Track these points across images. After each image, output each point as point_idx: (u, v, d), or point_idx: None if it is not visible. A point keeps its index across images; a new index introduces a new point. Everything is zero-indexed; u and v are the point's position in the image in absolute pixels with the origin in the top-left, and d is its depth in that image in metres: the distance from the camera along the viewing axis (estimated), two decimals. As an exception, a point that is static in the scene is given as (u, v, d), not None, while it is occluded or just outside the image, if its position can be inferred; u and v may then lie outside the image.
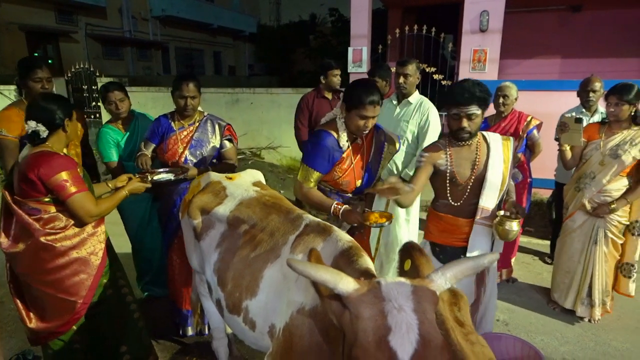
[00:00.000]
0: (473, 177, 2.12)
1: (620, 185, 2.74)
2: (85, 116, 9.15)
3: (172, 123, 2.60)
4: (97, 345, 2.08)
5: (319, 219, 1.64)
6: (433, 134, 3.11)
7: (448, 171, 2.13)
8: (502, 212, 2.10)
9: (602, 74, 3.66)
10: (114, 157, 2.81)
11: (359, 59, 6.12)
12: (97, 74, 8.51)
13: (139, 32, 17.63)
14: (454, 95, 1.99)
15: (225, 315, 1.81)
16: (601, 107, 3.48)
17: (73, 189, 1.82)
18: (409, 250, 1.25)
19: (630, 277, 2.93)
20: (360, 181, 2.20)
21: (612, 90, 2.69)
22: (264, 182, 2.23)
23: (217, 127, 2.65)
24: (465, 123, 2.00)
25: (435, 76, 5.91)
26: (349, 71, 6.21)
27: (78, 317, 1.97)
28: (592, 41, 7.02)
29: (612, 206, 2.72)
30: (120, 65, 16.84)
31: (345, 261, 1.31)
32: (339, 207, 2.04)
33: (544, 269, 3.80)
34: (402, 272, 1.24)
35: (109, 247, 2.14)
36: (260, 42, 22.23)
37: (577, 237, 2.94)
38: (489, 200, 2.11)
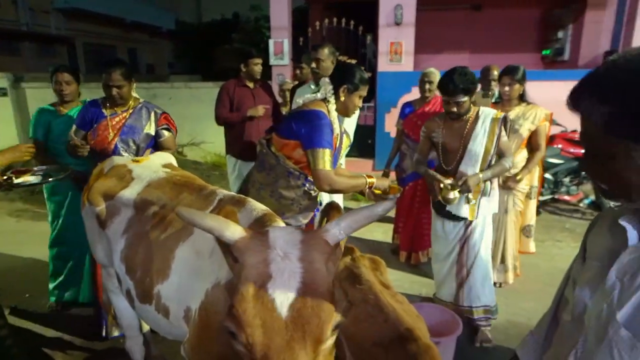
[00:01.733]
0: (461, 148, 2.47)
1: (522, 157, 3.04)
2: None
3: (103, 109, 2.46)
4: None
5: (233, 193, 1.57)
6: (352, 118, 3.15)
7: (440, 142, 2.54)
8: (448, 181, 2.45)
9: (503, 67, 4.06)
10: (38, 135, 2.79)
11: (280, 51, 6.08)
12: (-13, 68, 7.55)
13: (39, 25, 15.90)
14: (442, 87, 2.36)
15: (137, 306, 1.66)
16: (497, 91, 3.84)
17: None
18: (327, 209, 1.25)
19: (530, 237, 3.26)
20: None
21: (504, 72, 3.00)
22: (175, 164, 2.10)
23: (152, 114, 2.53)
24: (453, 108, 2.38)
25: (356, 68, 6.06)
26: (270, 63, 6.15)
27: None
28: (493, 38, 7.68)
29: (518, 177, 2.98)
30: (17, 62, 15.05)
31: (258, 227, 1.26)
32: (372, 179, 2.12)
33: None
34: None
35: None
36: (180, 39, 21.27)
37: None
38: (467, 167, 2.46)
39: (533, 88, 5.24)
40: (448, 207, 2.53)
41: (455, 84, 2.29)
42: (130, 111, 2.48)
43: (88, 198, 1.85)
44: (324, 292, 0.85)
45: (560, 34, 7.18)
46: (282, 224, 1.29)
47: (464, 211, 2.51)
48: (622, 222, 0.75)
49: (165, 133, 2.55)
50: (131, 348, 2.08)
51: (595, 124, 0.70)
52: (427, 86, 3.42)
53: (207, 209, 1.52)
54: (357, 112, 3.26)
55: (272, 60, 6.15)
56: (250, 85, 3.67)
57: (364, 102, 3.30)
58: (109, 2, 17.62)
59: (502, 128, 2.44)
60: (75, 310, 2.90)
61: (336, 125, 2.08)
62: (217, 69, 17.74)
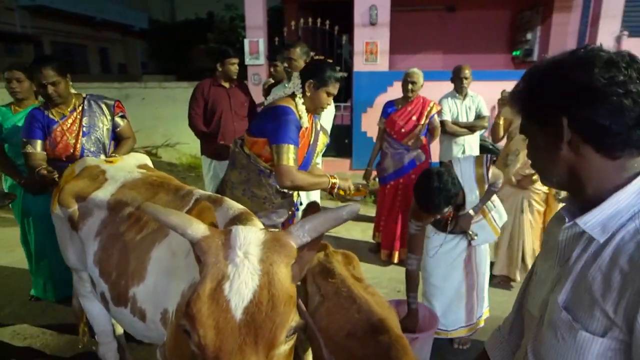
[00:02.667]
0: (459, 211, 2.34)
1: None
2: None
3: (49, 114, 2.33)
4: None
5: (209, 193, 1.55)
6: (328, 117, 3.16)
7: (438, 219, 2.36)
8: None
9: (476, 67, 4.15)
10: None
11: (256, 51, 6.04)
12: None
13: (3, 23, 15.27)
14: (424, 207, 2.10)
15: (112, 309, 1.62)
16: (470, 91, 3.93)
17: None
18: (307, 210, 1.25)
19: None
20: (302, 160, 2.12)
21: None
22: (150, 165, 2.06)
23: (104, 107, 2.45)
24: (439, 216, 2.20)
25: (332, 68, 6.08)
26: (246, 63, 6.10)
27: None
28: (466, 38, 7.84)
29: (534, 177, 3.00)
30: (-20, 61, 14.43)
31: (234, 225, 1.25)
32: (335, 179, 2.10)
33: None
34: None
35: None
36: (153, 38, 20.87)
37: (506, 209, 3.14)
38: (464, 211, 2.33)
39: (504, 88, 5.38)
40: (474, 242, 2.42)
41: (437, 205, 2.04)
42: (80, 109, 2.38)
43: (59, 200, 1.79)
44: (282, 296, 0.84)
45: (529, 36, 7.39)
46: (259, 223, 1.29)
47: (487, 239, 2.46)
48: (562, 211, 0.82)
49: (121, 122, 2.50)
50: (105, 355, 2.03)
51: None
52: (410, 86, 3.44)
53: (183, 209, 1.49)
54: (333, 111, 3.29)
55: (248, 60, 6.10)
56: (226, 85, 3.62)
57: (340, 101, 3.30)
58: (77, 0, 17.09)
59: (487, 169, 2.27)
60: (50, 315, 2.82)
61: (304, 120, 2.07)
62: (193, 69, 17.48)
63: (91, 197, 1.71)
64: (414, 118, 3.51)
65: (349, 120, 6.36)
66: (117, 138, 2.52)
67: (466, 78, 3.77)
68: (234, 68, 3.59)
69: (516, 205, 3.16)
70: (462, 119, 3.90)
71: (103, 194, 1.71)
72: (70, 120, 2.34)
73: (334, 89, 2.07)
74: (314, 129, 2.20)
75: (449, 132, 3.90)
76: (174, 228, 0.90)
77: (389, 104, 3.65)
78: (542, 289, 0.85)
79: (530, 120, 0.81)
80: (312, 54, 3.32)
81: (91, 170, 1.85)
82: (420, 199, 2.09)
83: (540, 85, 0.77)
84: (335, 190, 2.10)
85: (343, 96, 6.36)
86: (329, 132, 3.14)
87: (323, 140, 2.32)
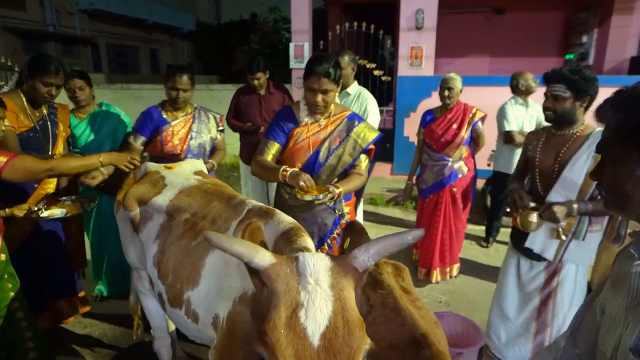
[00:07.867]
0: (556, 168, 1.93)
1: None
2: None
3: (165, 115, 2.54)
4: None
5: (261, 204, 1.61)
6: (372, 124, 3.15)
7: (532, 157, 2.04)
8: (532, 204, 1.96)
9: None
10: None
11: (300, 55, 6.12)
12: (16, 69, 7.79)
13: (64, 26, 16.34)
14: (545, 73, 1.91)
15: (168, 309, 1.72)
16: (531, 100, 3.72)
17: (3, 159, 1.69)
18: (349, 228, 1.28)
19: None
20: (304, 161, 2.08)
21: None
22: (206, 171, 2.16)
23: (211, 118, 2.67)
24: (549, 102, 1.87)
25: (376, 72, 6.07)
26: (291, 67, 6.20)
27: None
28: (515, 41, 7.58)
29: None
30: (43, 62, 15.47)
31: (285, 242, 1.29)
32: (286, 171, 1.92)
33: (480, 252, 4.03)
34: (342, 251, 1.26)
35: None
36: (200, 40, 21.59)
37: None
38: (558, 196, 1.89)
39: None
40: (528, 243, 2.00)
41: (558, 68, 1.83)
42: (192, 115, 2.59)
43: (123, 203, 1.91)
44: (356, 321, 0.86)
45: (584, 39, 7.04)
46: (308, 238, 1.32)
47: (546, 247, 1.96)
48: (631, 249, 0.79)
49: (219, 135, 2.71)
50: (159, 349, 2.15)
51: (610, 129, 0.80)
52: (447, 93, 3.21)
53: (235, 218, 1.57)
54: (378, 118, 3.25)
55: (293, 64, 6.20)
56: (262, 91, 3.59)
57: (382, 105, 3.24)
58: (130, 4, 18.00)
59: None
60: (107, 306, 2.99)
61: (302, 117, 2.08)
62: (236, 70, 17.91)
63: (152, 201, 1.82)
64: (455, 126, 3.26)
65: (391, 124, 6.33)
66: (213, 148, 2.71)
67: (534, 83, 3.60)
68: (257, 82, 3.52)
69: None
70: (527, 128, 3.59)
71: (162, 199, 1.81)
72: (181, 124, 2.54)
73: (311, 82, 1.90)
74: (336, 130, 2.07)
75: (514, 143, 3.59)
76: (240, 257, 0.91)
77: (428, 113, 3.44)
78: (615, 327, 0.82)
79: (630, 149, 0.75)
80: (356, 60, 3.30)
81: (152, 176, 1.96)
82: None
83: None
84: (287, 180, 1.93)
85: (385, 100, 6.34)
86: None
87: (355, 146, 2.08)
